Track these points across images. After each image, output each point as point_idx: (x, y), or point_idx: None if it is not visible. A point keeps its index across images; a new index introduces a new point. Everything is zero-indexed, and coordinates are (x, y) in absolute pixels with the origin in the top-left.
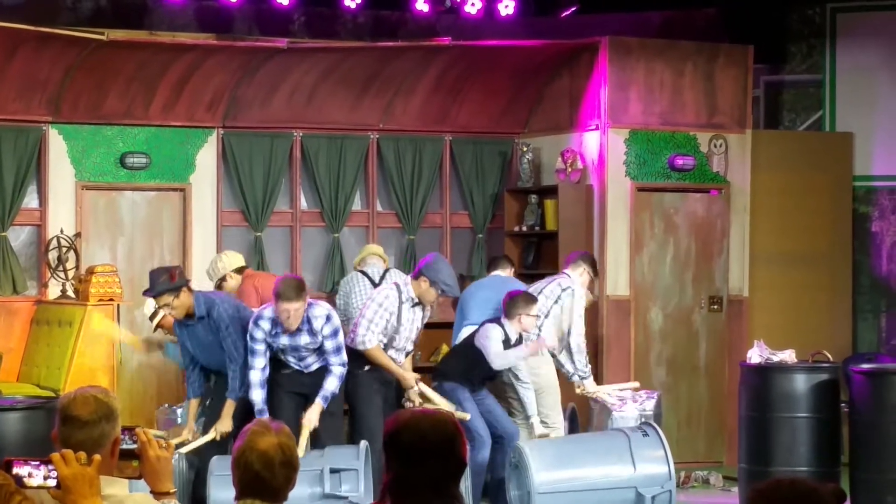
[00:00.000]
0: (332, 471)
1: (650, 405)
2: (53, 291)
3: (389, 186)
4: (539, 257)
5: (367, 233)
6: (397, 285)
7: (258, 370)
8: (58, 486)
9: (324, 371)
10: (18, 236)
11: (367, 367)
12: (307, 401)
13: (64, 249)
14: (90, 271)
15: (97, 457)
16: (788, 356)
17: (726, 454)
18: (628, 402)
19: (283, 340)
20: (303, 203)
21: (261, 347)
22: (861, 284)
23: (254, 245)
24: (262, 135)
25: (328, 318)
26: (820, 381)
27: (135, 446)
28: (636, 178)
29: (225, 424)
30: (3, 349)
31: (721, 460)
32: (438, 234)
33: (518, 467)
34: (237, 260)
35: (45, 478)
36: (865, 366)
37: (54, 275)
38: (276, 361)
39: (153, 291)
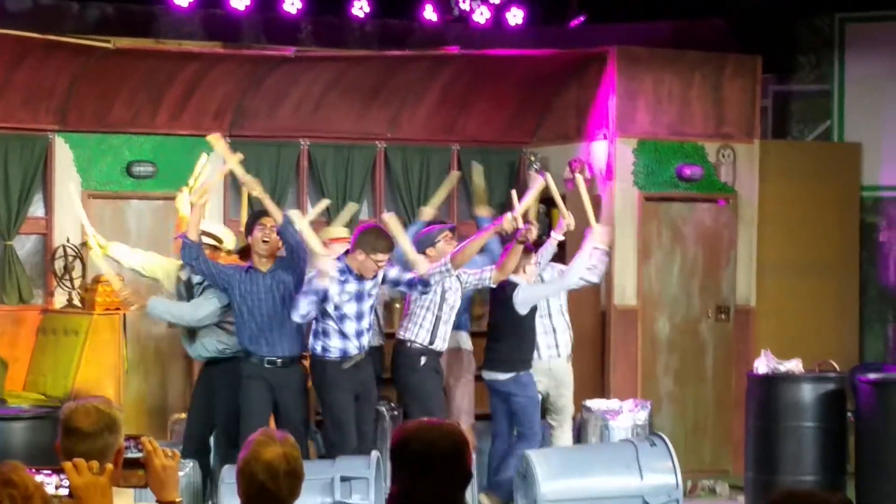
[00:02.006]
0: (343, 479)
1: (643, 415)
2: (59, 300)
3: (397, 196)
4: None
5: None
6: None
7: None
8: (70, 495)
9: (371, 365)
10: (24, 245)
11: (422, 361)
12: (358, 400)
13: (70, 258)
14: (96, 280)
15: (109, 466)
16: (795, 366)
17: (733, 463)
18: (623, 412)
19: (351, 286)
20: (310, 212)
21: (331, 308)
22: (868, 295)
23: None
24: (269, 144)
25: (390, 261)
26: (826, 390)
27: (140, 455)
28: (644, 188)
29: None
30: (10, 358)
31: (727, 469)
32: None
33: (525, 477)
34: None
35: (58, 487)
36: (872, 375)
37: (60, 284)
38: (330, 361)
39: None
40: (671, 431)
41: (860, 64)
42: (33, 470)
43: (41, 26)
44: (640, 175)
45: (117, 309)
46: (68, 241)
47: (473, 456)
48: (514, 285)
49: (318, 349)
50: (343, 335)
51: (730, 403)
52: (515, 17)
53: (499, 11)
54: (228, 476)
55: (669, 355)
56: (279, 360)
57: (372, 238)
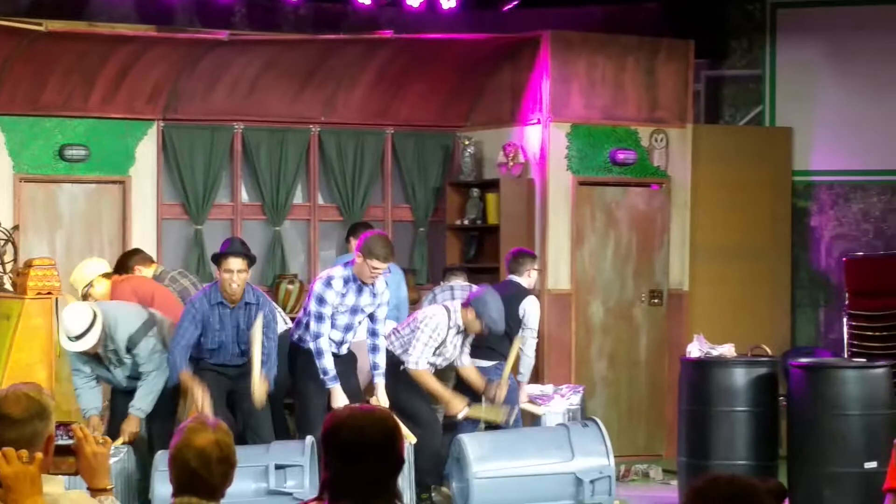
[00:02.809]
0: (278, 467)
1: (576, 399)
2: None
3: (331, 179)
4: (480, 251)
5: (308, 226)
6: (447, 309)
7: (326, 337)
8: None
9: (348, 357)
10: None
11: (402, 368)
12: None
13: (1, 242)
14: (28, 264)
15: (39, 455)
16: (728, 350)
17: (666, 447)
18: (555, 398)
19: (350, 300)
20: (244, 196)
21: (328, 312)
22: (800, 279)
23: (194, 238)
24: (202, 127)
25: (387, 284)
26: (758, 374)
27: (71, 442)
28: (577, 172)
29: (259, 390)
30: None
31: (661, 454)
32: (380, 228)
33: (458, 460)
34: (102, 266)
35: None
36: (804, 360)
37: None
38: (306, 350)
39: (241, 251)
40: (605, 415)
41: (792, 49)
42: None
43: None
44: (574, 159)
45: (49, 293)
46: (0, 225)
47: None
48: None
49: (296, 338)
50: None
51: (663, 387)
52: (449, 1)
53: None
54: (162, 463)
55: (603, 340)
56: (231, 366)
57: (371, 244)
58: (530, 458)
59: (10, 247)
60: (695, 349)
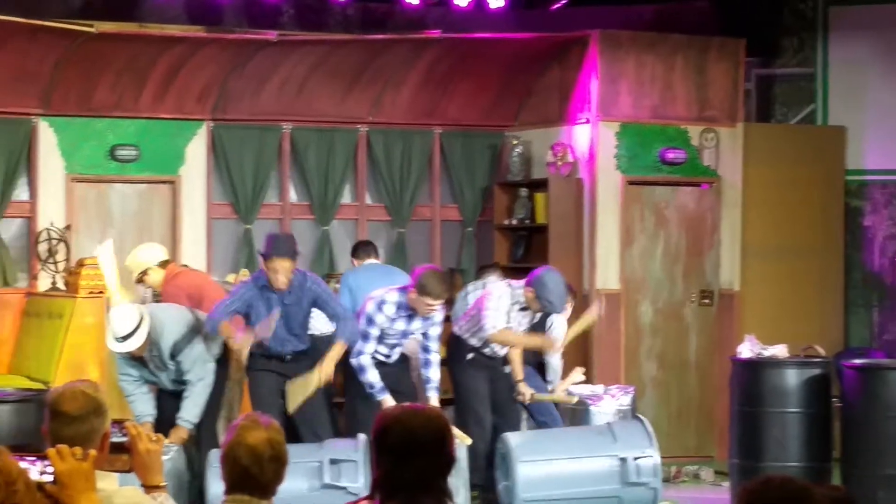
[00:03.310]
0: (332, 461)
1: (626, 400)
2: (44, 283)
3: (379, 179)
4: (528, 251)
5: (356, 226)
6: (510, 284)
7: (369, 355)
8: (54, 481)
9: (400, 361)
10: (9, 229)
11: (469, 356)
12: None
13: (54, 242)
14: (80, 263)
15: (93, 452)
16: (780, 351)
17: (717, 449)
18: (605, 398)
19: (399, 325)
20: (292, 196)
21: (376, 333)
22: (853, 279)
23: (243, 237)
24: (251, 127)
25: (441, 307)
26: (811, 375)
27: (125, 440)
28: (626, 172)
29: (330, 367)
30: None
31: (712, 455)
32: (428, 228)
33: (504, 457)
34: (158, 253)
35: (41, 473)
36: (857, 361)
37: (44, 267)
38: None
39: (288, 252)
40: (655, 416)
41: (844, 47)
42: (18, 456)
43: (25, 10)
44: (623, 159)
45: (101, 292)
46: (52, 224)
47: (457, 442)
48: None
49: (353, 362)
50: (372, 367)
51: (713, 388)
52: (497, 0)
53: None
54: (215, 461)
55: (653, 340)
56: (288, 356)
57: (426, 281)
58: (577, 457)
59: (62, 246)
60: (746, 350)
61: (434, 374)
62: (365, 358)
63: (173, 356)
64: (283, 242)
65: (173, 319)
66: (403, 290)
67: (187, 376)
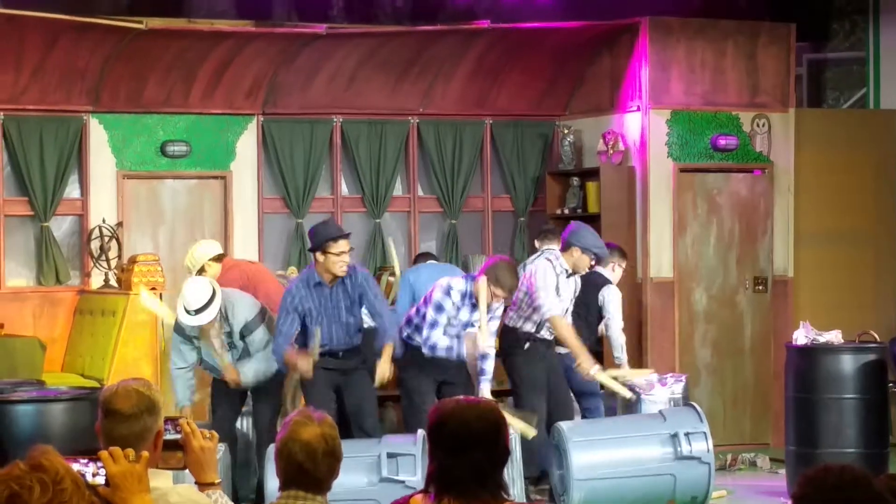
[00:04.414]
0: (389, 455)
1: (679, 388)
2: (96, 281)
3: (430, 171)
4: None
5: (408, 217)
6: (549, 259)
7: (438, 341)
8: (106, 483)
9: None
10: (61, 226)
11: (526, 346)
12: (444, 385)
13: (106, 239)
14: (132, 260)
15: (145, 454)
16: (835, 337)
17: (773, 436)
18: (657, 386)
19: (463, 315)
20: (344, 189)
21: (444, 321)
22: None
23: (295, 231)
24: (301, 121)
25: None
26: (867, 361)
27: (179, 437)
28: (678, 159)
29: (385, 368)
30: (47, 339)
31: (768, 442)
32: (480, 218)
33: (559, 448)
34: (214, 248)
35: (94, 475)
36: None
37: (97, 264)
38: (416, 347)
39: (343, 232)
40: (709, 404)
41: (895, 30)
42: (70, 458)
43: (74, 8)
44: (675, 146)
45: (153, 289)
46: (104, 221)
47: (512, 434)
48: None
49: (405, 335)
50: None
51: (769, 375)
52: None
53: None
54: (272, 456)
55: (707, 327)
56: (340, 352)
57: (500, 272)
58: (631, 446)
59: (114, 243)
60: (801, 336)
61: (489, 365)
62: (435, 341)
63: (243, 336)
64: (332, 225)
65: (244, 301)
66: (470, 277)
67: (254, 351)
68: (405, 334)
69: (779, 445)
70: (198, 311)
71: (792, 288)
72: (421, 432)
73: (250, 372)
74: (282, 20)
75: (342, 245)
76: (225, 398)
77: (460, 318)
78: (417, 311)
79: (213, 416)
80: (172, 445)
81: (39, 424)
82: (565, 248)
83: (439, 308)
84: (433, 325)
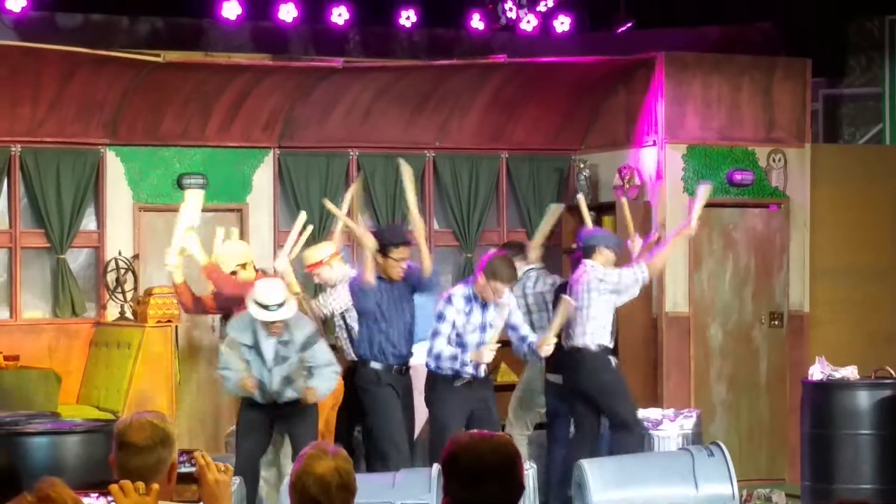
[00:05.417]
0: None
1: (689, 424)
2: (112, 313)
3: (446, 204)
4: None
5: None
6: (586, 270)
7: (442, 349)
8: None
9: (488, 385)
10: (77, 258)
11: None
12: (473, 416)
13: (122, 271)
14: (148, 293)
15: (155, 486)
16: (851, 372)
17: (788, 471)
18: (665, 422)
19: (475, 318)
20: (360, 222)
21: (446, 329)
22: None
23: None
24: (318, 154)
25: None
26: (883, 397)
27: (193, 470)
28: (694, 194)
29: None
30: (63, 371)
31: (783, 478)
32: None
33: (580, 486)
34: (240, 253)
35: None
36: None
37: (113, 296)
38: (441, 377)
39: (405, 241)
40: (725, 439)
41: None
42: (81, 492)
43: (92, 41)
44: (691, 181)
45: (169, 321)
46: (120, 254)
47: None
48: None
49: (433, 367)
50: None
51: (785, 411)
52: (563, 24)
53: (546, 19)
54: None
55: (723, 362)
56: (403, 368)
57: (497, 266)
58: (653, 488)
59: (130, 275)
60: (817, 372)
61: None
62: (439, 350)
63: (304, 348)
64: (398, 230)
65: (304, 316)
66: (468, 281)
67: (318, 366)
68: (433, 366)
69: (794, 481)
70: (277, 307)
71: (808, 323)
72: (436, 466)
73: (323, 387)
74: (298, 54)
75: (404, 251)
76: (252, 433)
77: (473, 322)
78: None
79: (237, 448)
80: (187, 478)
81: (54, 456)
82: (590, 253)
83: (440, 317)
84: (435, 333)
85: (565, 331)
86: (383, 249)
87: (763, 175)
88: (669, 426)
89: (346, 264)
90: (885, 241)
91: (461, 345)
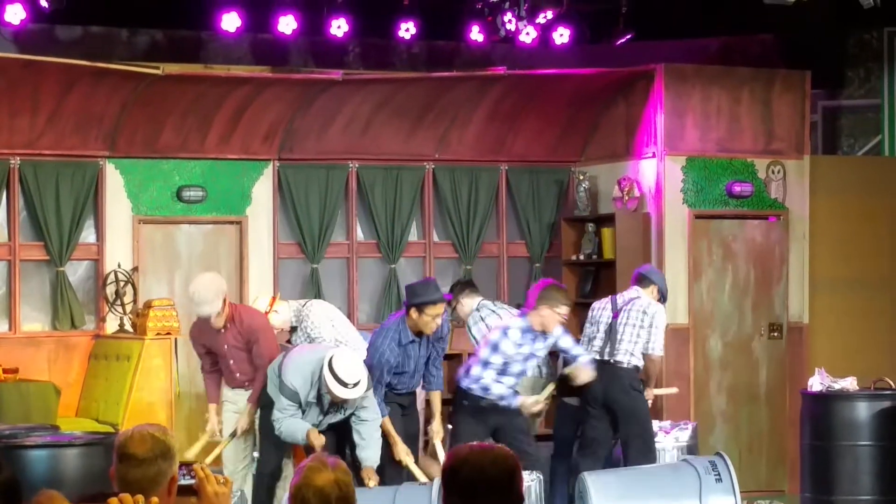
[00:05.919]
0: None
1: (684, 436)
2: (111, 326)
3: (446, 216)
4: (596, 286)
5: (423, 263)
6: (639, 297)
7: (489, 379)
8: None
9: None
10: (76, 271)
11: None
12: (497, 434)
13: (121, 284)
14: (148, 305)
15: (155, 499)
16: (850, 384)
17: (788, 483)
18: (660, 434)
19: (524, 349)
20: (359, 234)
21: (498, 361)
22: None
23: (310, 277)
24: (317, 166)
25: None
26: (882, 408)
27: (193, 482)
28: (694, 206)
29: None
30: (62, 384)
31: (783, 489)
32: (495, 264)
33: (582, 498)
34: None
35: None
36: None
37: (112, 309)
38: (471, 394)
39: (441, 298)
40: (725, 450)
41: None
42: None
43: (91, 54)
44: (690, 192)
45: (168, 333)
46: (119, 266)
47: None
48: None
49: (464, 385)
50: (497, 382)
51: (784, 422)
52: (562, 36)
53: (545, 31)
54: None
55: (722, 374)
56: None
57: (554, 292)
58: (656, 500)
59: (129, 288)
60: (816, 383)
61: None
62: (486, 381)
63: (357, 407)
64: (433, 288)
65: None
66: (524, 313)
67: (364, 421)
68: (464, 385)
69: (794, 492)
70: (355, 385)
71: (807, 334)
72: (437, 480)
73: (374, 456)
74: (298, 66)
75: (439, 308)
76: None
77: (521, 352)
78: (472, 356)
79: (260, 446)
80: (187, 491)
81: (54, 469)
82: (645, 283)
83: (495, 348)
84: (486, 364)
85: (609, 344)
86: (419, 307)
87: (762, 186)
88: (665, 439)
89: (285, 302)
90: (884, 252)
91: (503, 373)
